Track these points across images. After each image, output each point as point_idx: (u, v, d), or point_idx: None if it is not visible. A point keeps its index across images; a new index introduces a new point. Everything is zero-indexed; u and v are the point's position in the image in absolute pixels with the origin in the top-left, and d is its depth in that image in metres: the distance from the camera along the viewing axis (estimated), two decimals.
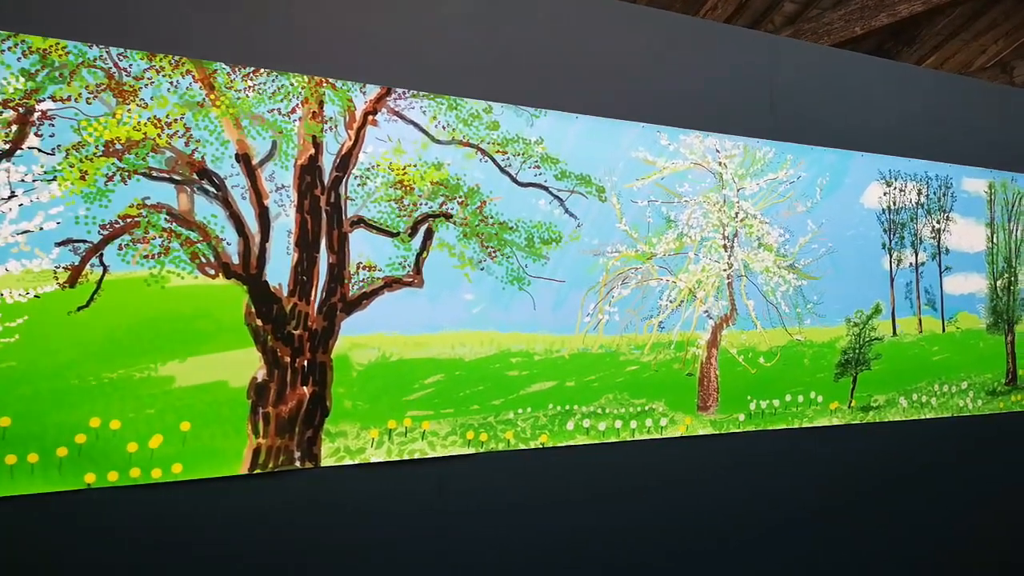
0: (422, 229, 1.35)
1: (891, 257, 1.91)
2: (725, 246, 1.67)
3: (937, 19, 4.81)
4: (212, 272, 1.19)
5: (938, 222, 2.01)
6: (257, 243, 1.22)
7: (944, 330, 1.99)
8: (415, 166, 1.35)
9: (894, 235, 1.92)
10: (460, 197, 1.39)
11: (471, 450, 1.38)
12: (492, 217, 1.42)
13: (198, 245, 1.18)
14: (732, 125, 1.71)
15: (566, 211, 1.49)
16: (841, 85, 1.87)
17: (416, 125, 1.36)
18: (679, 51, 1.67)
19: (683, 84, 1.67)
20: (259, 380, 1.21)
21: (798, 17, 4.39)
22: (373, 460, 1.30)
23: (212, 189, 1.19)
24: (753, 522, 1.68)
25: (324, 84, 1.28)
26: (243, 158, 1.21)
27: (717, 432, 1.64)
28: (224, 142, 1.20)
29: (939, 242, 2.00)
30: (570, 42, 1.54)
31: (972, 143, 2.09)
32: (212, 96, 1.20)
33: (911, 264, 1.94)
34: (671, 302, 1.60)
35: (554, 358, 1.47)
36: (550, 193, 1.48)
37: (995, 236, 2.12)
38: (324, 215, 1.27)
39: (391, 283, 1.32)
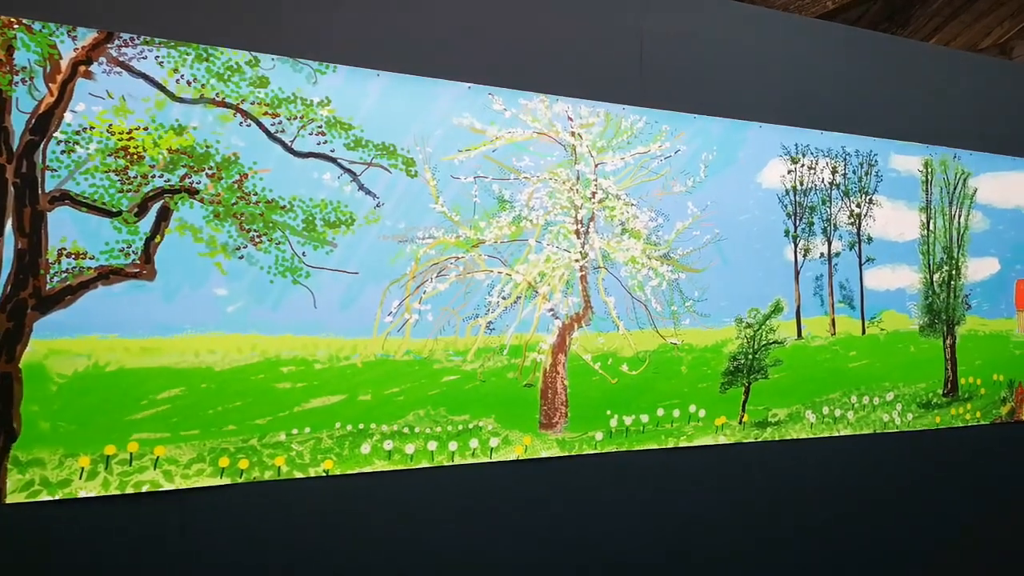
0: (155, 207, 1.09)
1: (796, 246, 1.62)
2: (577, 232, 1.40)
3: None
4: None
5: (858, 205, 1.71)
6: None
7: (864, 332, 1.70)
8: (146, 129, 1.09)
9: (800, 220, 1.63)
10: (210, 169, 1.13)
11: (225, 480, 1.12)
12: (256, 194, 1.15)
13: None
14: (590, 88, 1.43)
15: (360, 188, 1.23)
16: (733, 41, 1.58)
17: (148, 79, 1.09)
18: None
19: (525, 36, 1.39)
20: None
21: None
22: (83, 495, 1.04)
23: None
24: (614, 563, 1.40)
25: (15, 26, 1.02)
26: None
27: (566, 454, 1.37)
28: None
29: (859, 229, 1.71)
30: None
31: (903, 114, 1.80)
32: None
33: (823, 254, 1.65)
34: (504, 298, 1.33)
35: (343, 367, 1.20)
36: (339, 166, 1.21)
37: (932, 222, 1.83)
38: (11, 189, 1.01)
39: (108, 274, 1.06)
